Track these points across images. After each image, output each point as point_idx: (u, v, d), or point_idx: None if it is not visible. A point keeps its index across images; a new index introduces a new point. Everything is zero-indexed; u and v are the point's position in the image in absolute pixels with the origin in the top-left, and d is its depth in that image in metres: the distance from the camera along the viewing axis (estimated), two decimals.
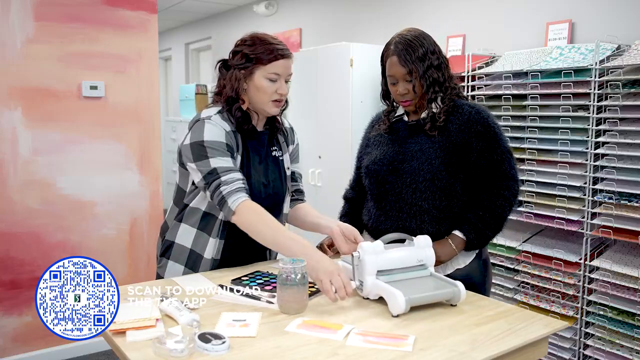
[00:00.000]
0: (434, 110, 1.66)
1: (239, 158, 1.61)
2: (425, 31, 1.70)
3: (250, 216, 1.50)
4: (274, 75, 1.58)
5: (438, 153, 1.63)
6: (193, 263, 1.67)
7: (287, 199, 1.78)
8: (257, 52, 1.57)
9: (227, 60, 1.65)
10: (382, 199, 1.71)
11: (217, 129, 1.56)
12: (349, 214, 1.89)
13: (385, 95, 1.77)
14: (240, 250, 1.69)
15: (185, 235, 1.67)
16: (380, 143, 1.77)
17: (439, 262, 1.61)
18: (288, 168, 1.78)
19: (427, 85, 1.64)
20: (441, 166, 1.62)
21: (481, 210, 1.64)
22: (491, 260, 2.25)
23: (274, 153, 1.73)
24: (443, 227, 1.65)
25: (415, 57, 1.62)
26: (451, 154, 1.63)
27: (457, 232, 1.64)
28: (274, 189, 1.70)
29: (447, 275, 1.60)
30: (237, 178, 1.53)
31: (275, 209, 1.70)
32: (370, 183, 1.75)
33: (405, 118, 1.75)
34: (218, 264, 1.67)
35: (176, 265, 1.68)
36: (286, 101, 1.68)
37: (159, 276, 1.72)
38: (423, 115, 1.69)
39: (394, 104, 1.77)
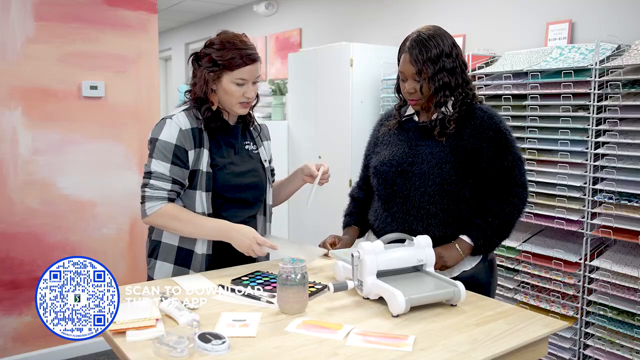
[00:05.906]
0: (444, 112, 1.63)
1: (205, 152, 1.64)
2: (447, 31, 1.65)
3: (163, 218, 1.62)
4: (241, 80, 1.62)
5: (449, 157, 1.61)
6: (183, 260, 1.67)
7: (270, 191, 1.82)
8: (225, 57, 1.60)
9: (199, 55, 1.67)
10: (389, 201, 1.69)
11: (172, 130, 1.62)
12: (354, 213, 1.87)
13: (399, 89, 1.74)
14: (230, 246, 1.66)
15: (171, 233, 1.68)
16: (390, 143, 1.74)
17: (445, 267, 1.60)
18: (266, 161, 1.81)
19: (436, 88, 1.60)
20: (451, 171, 1.60)
21: (490, 217, 1.63)
22: None
23: (247, 147, 1.77)
24: (450, 231, 1.63)
25: (426, 58, 1.58)
26: (462, 158, 1.61)
27: (464, 237, 1.63)
28: (252, 179, 1.73)
29: (454, 277, 1.60)
30: (163, 188, 1.60)
31: (256, 200, 1.76)
32: (378, 184, 1.73)
33: (416, 118, 1.73)
34: (211, 260, 1.67)
35: (165, 264, 1.69)
36: (257, 97, 1.73)
37: (150, 277, 1.73)
38: (433, 117, 1.66)
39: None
